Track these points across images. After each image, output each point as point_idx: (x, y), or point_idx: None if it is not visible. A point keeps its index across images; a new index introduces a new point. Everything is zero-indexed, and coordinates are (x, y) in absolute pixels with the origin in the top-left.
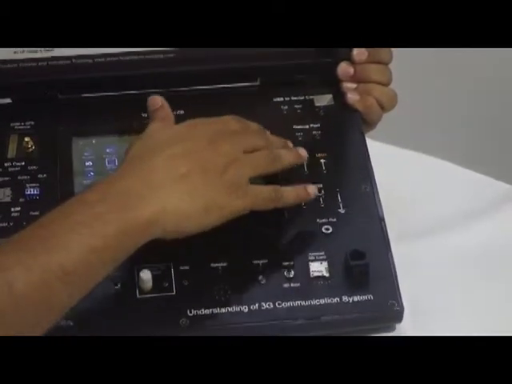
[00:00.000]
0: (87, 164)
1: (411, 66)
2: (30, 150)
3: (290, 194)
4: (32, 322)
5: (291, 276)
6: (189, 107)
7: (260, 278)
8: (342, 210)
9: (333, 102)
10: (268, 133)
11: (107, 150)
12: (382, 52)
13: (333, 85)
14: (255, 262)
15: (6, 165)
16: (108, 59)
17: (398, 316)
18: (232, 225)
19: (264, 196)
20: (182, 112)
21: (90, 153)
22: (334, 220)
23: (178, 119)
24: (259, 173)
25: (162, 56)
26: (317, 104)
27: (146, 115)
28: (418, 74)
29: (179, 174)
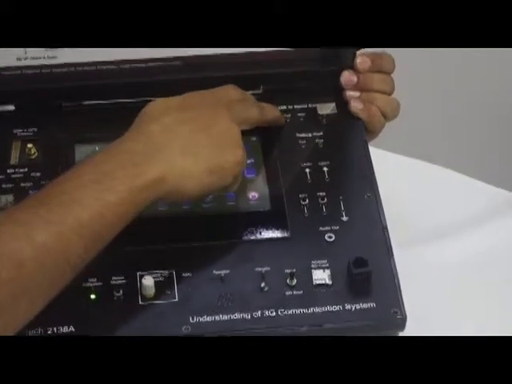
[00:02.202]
0: None
1: (412, 75)
2: (33, 156)
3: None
4: (51, 274)
5: (294, 283)
6: None
7: (263, 285)
8: (344, 218)
9: (336, 111)
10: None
11: None
12: (385, 61)
13: (336, 93)
14: (258, 269)
15: (8, 171)
16: (111, 67)
17: (401, 324)
18: (234, 232)
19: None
20: None
21: None
22: (337, 228)
23: None
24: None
25: (164, 64)
26: (320, 112)
27: None
28: (418, 83)
29: (182, 137)
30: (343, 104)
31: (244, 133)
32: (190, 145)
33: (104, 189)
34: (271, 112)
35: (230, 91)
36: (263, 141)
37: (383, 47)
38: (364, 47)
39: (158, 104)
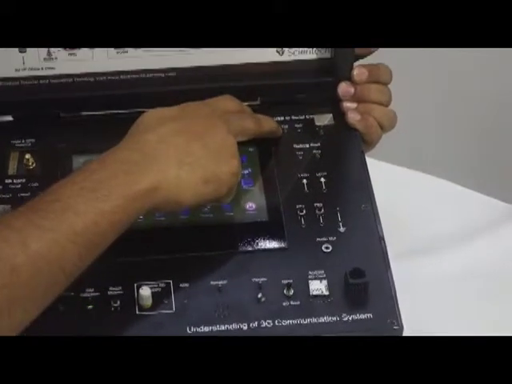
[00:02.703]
0: None
1: (408, 85)
2: (31, 167)
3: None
4: (45, 281)
5: (291, 294)
6: None
7: (260, 295)
8: (341, 229)
9: (333, 122)
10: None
11: None
12: (382, 72)
13: (333, 104)
14: (255, 279)
15: (6, 182)
16: (109, 78)
17: (398, 335)
18: (231, 242)
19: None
20: None
21: None
22: (334, 239)
23: None
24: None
25: (162, 75)
26: (317, 123)
27: None
28: (415, 93)
29: (177, 147)
30: (340, 115)
31: (241, 143)
32: (185, 155)
33: (98, 197)
34: (268, 124)
35: (227, 102)
36: (261, 151)
37: (382, 47)
38: (364, 47)
39: (153, 114)
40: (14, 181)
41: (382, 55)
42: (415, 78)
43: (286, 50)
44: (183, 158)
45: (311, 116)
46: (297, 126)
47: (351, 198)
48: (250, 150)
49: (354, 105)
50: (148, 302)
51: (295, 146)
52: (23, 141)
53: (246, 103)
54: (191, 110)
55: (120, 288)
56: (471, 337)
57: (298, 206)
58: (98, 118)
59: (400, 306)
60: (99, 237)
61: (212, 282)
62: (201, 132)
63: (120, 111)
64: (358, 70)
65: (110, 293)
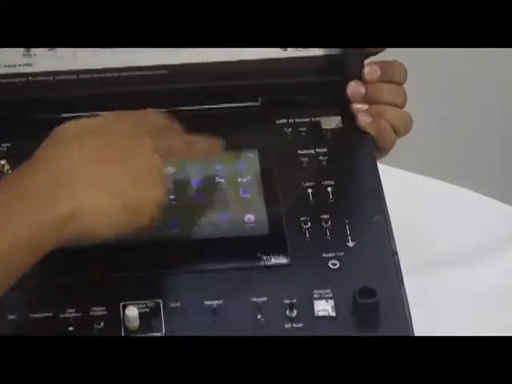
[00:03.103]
0: None
1: (425, 84)
2: (7, 174)
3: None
4: None
5: (294, 315)
6: (182, 130)
7: (259, 317)
8: (350, 243)
9: (341, 125)
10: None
11: None
12: (396, 70)
13: (342, 106)
14: (254, 299)
15: None
16: (93, 75)
17: None
18: (228, 258)
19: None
20: None
21: None
22: (342, 254)
23: None
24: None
25: (151, 73)
26: (324, 127)
27: None
28: (431, 94)
29: (96, 167)
30: (350, 118)
31: (240, 148)
32: (104, 177)
33: (6, 225)
34: (201, 145)
35: (154, 117)
36: (261, 157)
37: (387, 47)
38: (365, 47)
39: (71, 126)
40: None
41: (397, 54)
42: (430, 78)
43: None
44: (102, 182)
45: (317, 118)
46: (301, 129)
47: (361, 209)
48: (250, 155)
49: (364, 106)
50: (135, 324)
51: (299, 151)
52: None
53: (245, 104)
54: (115, 123)
55: (104, 308)
56: (472, 337)
57: (302, 218)
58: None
59: (414, 327)
60: (10, 262)
61: (206, 302)
62: (124, 151)
63: (105, 113)
64: (370, 68)
65: (92, 313)
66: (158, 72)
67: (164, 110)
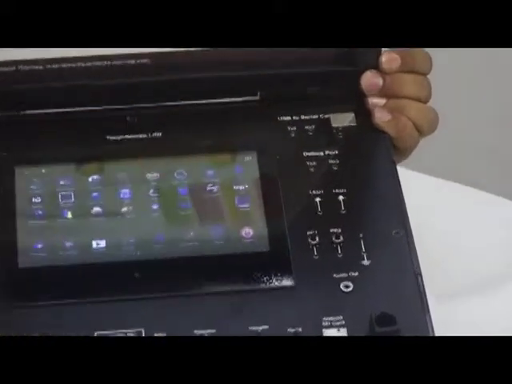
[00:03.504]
0: (34, 201)
1: (451, 75)
2: None
3: None
4: None
5: None
6: (167, 128)
7: None
8: (366, 262)
9: (355, 123)
10: None
11: (61, 183)
12: (419, 58)
13: (355, 100)
14: (252, 328)
15: None
16: (65, 65)
17: None
18: (222, 279)
19: None
20: (158, 134)
21: (38, 186)
22: (356, 274)
23: (154, 143)
24: None
25: (133, 62)
26: (334, 125)
27: (113, 138)
28: (459, 85)
29: None
30: (364, 114)
31: (236, 150)
32: None
33: None
34: None
35: None
36: (261, 161)
37: (389, 47)
38: (366, 47)
39: None
40: None
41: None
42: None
43: None
44: None
45: (326, 115)
46: (308, 128)
47: (379, 221)
48: (247, 159)
49: (382, 101)
50: None
51: (306, 153)
52: None
53: (242, 98)
54: None
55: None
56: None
57: (308, 233)
58: (48, 117)
59: None
60: None
61: (196, 331)
62: None
63: (78, 109)
64: (388, 56)
65: None
66: (139, 61)
67: (146, 105)
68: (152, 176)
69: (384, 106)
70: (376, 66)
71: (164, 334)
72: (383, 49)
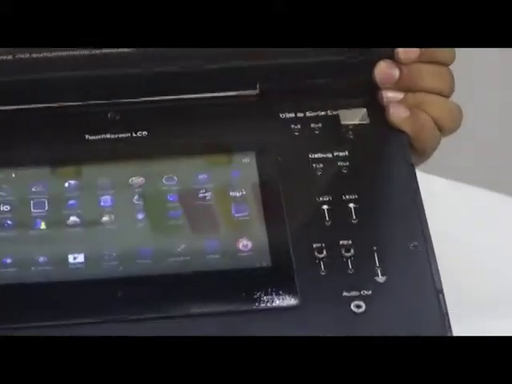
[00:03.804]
0: (3, 209)
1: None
2: None
3: None
4: None
5: None
6: (154, 126)
7: None
8: (380, 279)
9: (367, 120)
10: None
11: (33, 189)
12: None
13: (367, 94)
14: None
15: None
16: (37, 55)
17: None
18: (217, 299)
19: None
20: (144, 133)
21: (7, 192)
22: (369, 293)
23: (140, 143)
24: None
25: (116, 51)
26: (344, 122)
27: (92, 137)
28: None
29: None
30: (378, 110)
31: (233, 150)
32: None
33: None
34: None
35: None
36: (260, 163)
37: (391, 47)
38: (368, 47)
39: None
40: None
41: None
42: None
43: None
44: None
45: (335, 112)
46: (314, 126)
47: (395, 232)
48: (245, 160)
49: (398, 95)
50: None
51: (312, 155)
52: None
53: (240, 92)
54: None
55: None
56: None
57: (315, 245)
58: (18, 114)
59: None
60: None
61: None
62: None
63: (51, 105)
64: None
65: None
66: (123, 50)
67: (130, 100)
68: (137, 181)
69: (401, 101)
70: (391, 56)
71: None
72: None
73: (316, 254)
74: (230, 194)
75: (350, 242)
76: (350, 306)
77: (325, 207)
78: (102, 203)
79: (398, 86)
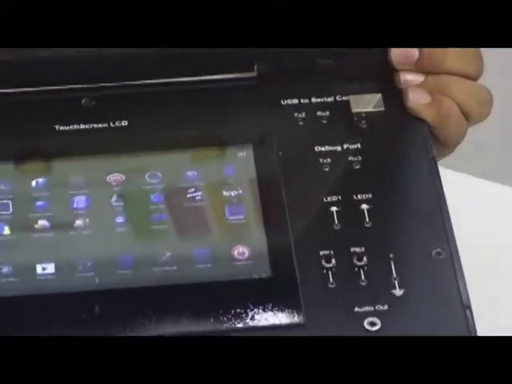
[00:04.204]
0: None
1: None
2: None
3: None
4: None
5: None
6: (136, 115)
7: None
8: (397, 292)
9: (382, 107)
10: None
11: None
12: None
13: (382, 77)
14: None
15: None
16: None
17: None
18: (211, 315)
19: None
20: (125, 123)
21: None
22: (385, 308)
23: (119, 135)
24: None
25: None
26: (355, 110)
27: (63, 128)
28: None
29: None
30: (395, 96)
31: (227, 144)
32: None
33: None
34: None
35: None
36: (259, 158)
37: (392, 47)
38: (368, 47)
39: None
40: None
41: None
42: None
43: None
44: None
45: (345, 97)
46: (320, 114)
47: (414, 237)
48: (241, 154)
49: (418, 77)
50: None
51: (318, 148)
52: None
53: (236, 75)
54: None
55: None
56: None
57: (322, 253)
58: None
59: None
60: None
61: None
62: None
63: (15, 90)
64: None
65: None
66: None
67: (108, 85)
68: (115, 178)
69: (421, 85)
70: None
71: None
72: None
73: (323, 263)
74: (224, 193)
75: (363, 249)
76: (362, 323)
77: (333, 209)
78: (75, 204)
79: (417, 67)
